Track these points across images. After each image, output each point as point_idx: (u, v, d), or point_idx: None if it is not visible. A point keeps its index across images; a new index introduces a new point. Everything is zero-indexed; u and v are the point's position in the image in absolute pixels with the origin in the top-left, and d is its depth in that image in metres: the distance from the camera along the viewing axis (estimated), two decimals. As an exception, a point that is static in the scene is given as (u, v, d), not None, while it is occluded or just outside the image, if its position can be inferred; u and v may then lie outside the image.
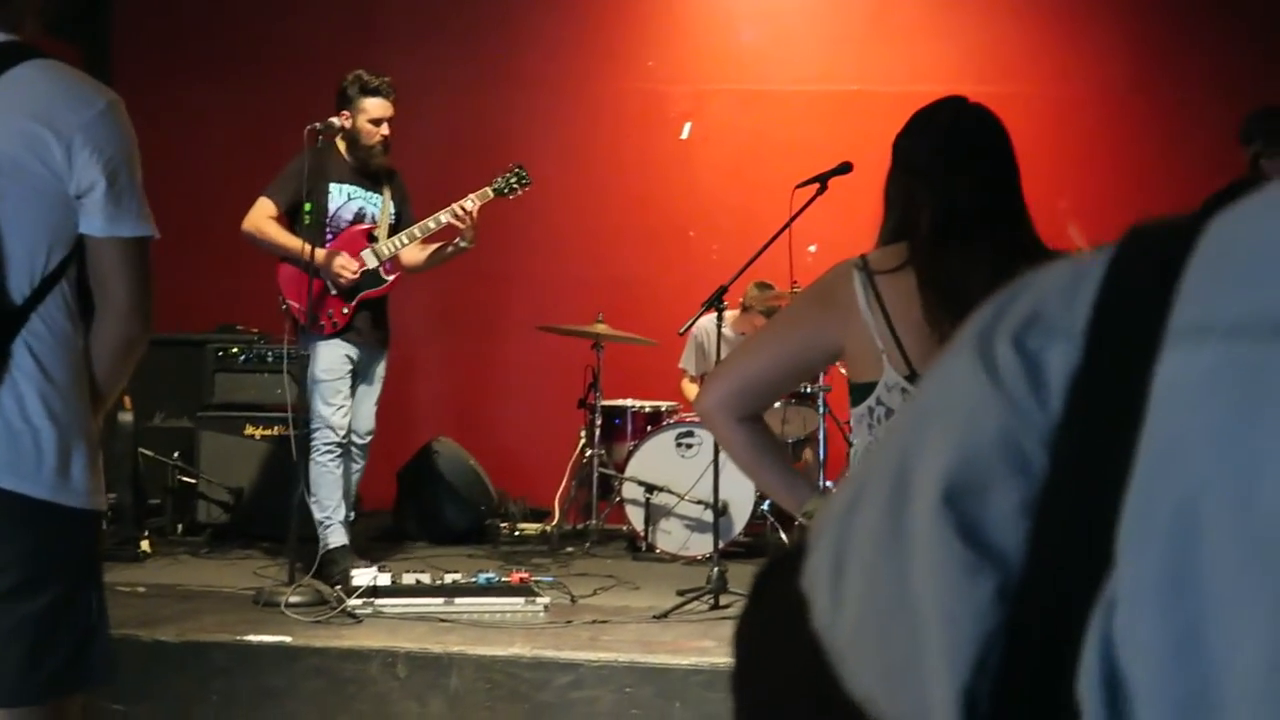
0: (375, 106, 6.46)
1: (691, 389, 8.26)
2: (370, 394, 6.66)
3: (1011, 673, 0.68)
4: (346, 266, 6.39)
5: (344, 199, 6.54)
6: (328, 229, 6.48)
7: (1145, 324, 0.69)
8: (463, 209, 6.43)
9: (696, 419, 7.58)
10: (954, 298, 2.51)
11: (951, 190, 2.60)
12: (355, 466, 6.67)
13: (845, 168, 5.24)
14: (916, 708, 0.70)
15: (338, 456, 6.46)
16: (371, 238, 6.57)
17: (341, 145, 6.56)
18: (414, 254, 6.69)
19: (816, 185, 5.44)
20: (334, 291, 6.43)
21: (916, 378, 2.54)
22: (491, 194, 6.61)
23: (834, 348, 2.70)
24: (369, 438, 6.69)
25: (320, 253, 6.27)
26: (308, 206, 6.22)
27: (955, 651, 0.68)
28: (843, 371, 2.83)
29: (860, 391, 2.65)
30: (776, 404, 7.33)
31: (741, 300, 7.81)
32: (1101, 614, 0.65)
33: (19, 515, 2.47)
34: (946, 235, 2.57)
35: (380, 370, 6.69)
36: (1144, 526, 0.65)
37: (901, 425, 0.80)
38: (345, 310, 6.45)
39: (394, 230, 6.63)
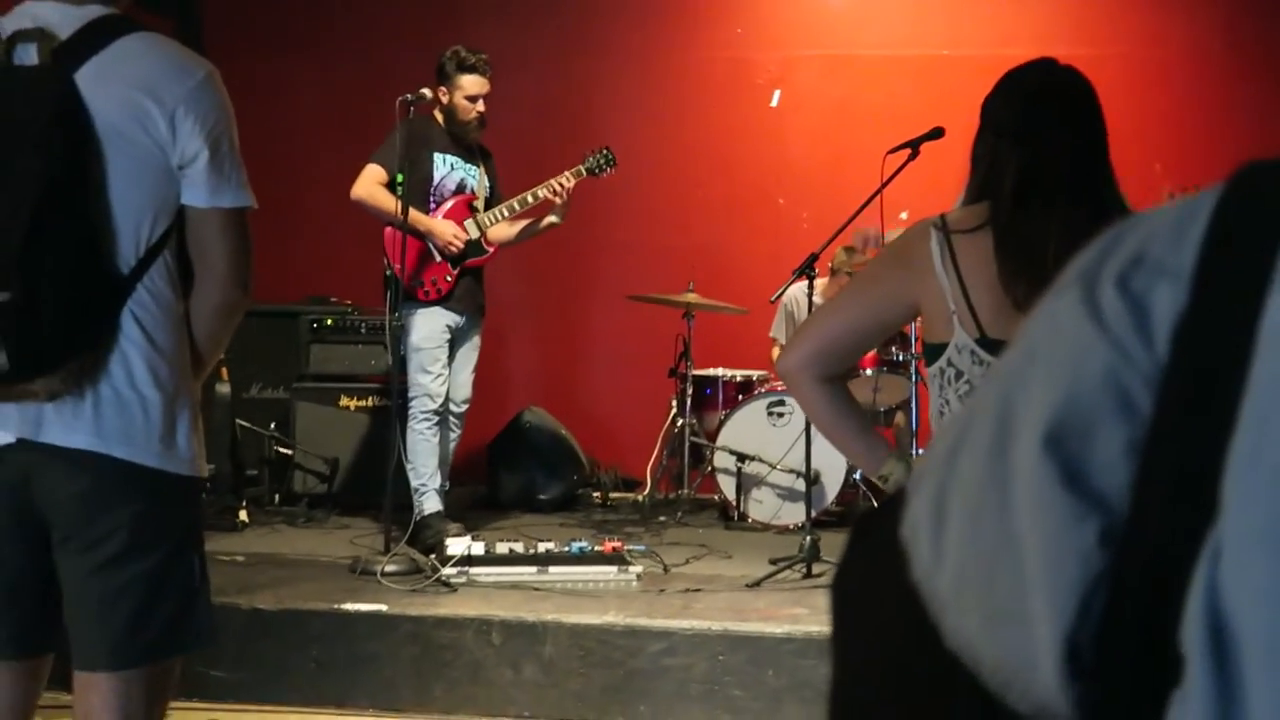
0: (472, 84, 6.52)
1: (780, 353, 8.23)
2: (467, 363, 6.74)
3: (1115, 619, 0.67)
4: (458, 234, 6.49)
5: (447, 169, 6.63)
6: (431, 198, 6.57)
7: (1254, 265, 0.67)
8: (560, 184, 6.53)
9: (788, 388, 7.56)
10: (1030, 259, 2.49)
11: (1037, 151, 2.58)
12: (452, 435, 6.75)
13: (937, 132, 5.18)
14: (1019, 655, 0.69)
15: (435, 424, 6.54)
16: (473, 208, 6.65)
17: (440, 117, 6.64)
18: (504, 229, 6.77)
19: (908, 151, 5.39)
20: (439, 258, 6.51)
21: (987, 341, 2.53)
22: (584, 172, 6.69)
23: (912, 306, 2.69)
24: (466, 406, 6.77)
25: (429, 220, 6.37)
26: (400, 177, 6.27)
27: (1060, 596, 0.67)
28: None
29: (933, 352, 2.65)
30: (869, 371, 7.29)
31: (830, 264, 7.76)
32: (1208, 561, 0.64)
33: (127, 482, 2.51)
34: (1028, 196, 2.55)
35: (476, 339, 6.77)
36: (1252, 471, 0.63)
37: (1004, 368, 0.78)
38: (449, 277, 6.54)
39: (488, 203, 6.71)
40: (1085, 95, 2.65)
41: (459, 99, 6.53)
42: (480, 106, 6.56)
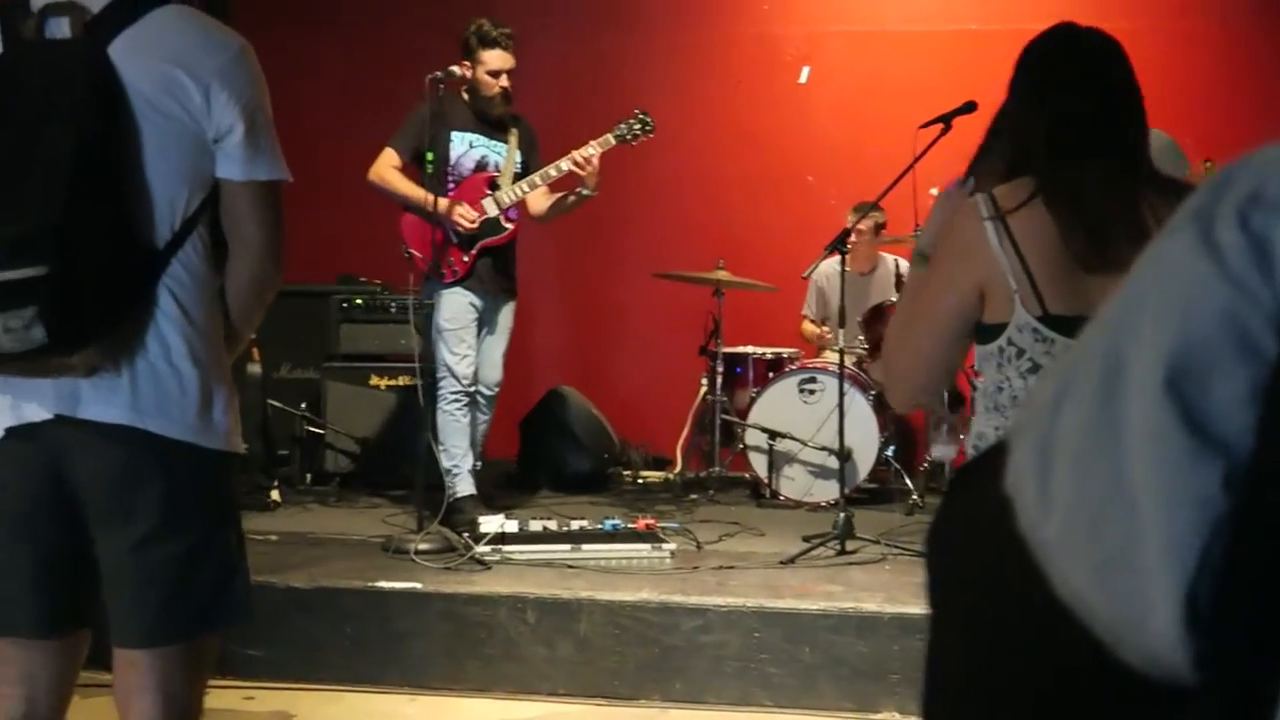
0: (494, 58, 6.42)
1: (810, 329, 8.20)
2: (497, 344, 6.66)
3: (1237, 567, 0.64)
4: (465, 215, 6.39)
5: (465, 147, 6.52)
6: (449, 178, 6.48)
7: None
8: (583, 156, 6.37)
9: (819, 364, 7.53)
10: (1080, 209, 2.48)
11: (1060, 110, 2.56)
12: (482, 417, 6.69)
13: (970, 107, 5.15)
14: (1133, 604, 0.67)
15: (464, 405, 6.49)
16: (493, 185, 6.52)
17: (465, 94, 6.56)
18: (538, 201, 6.66)
19: (940, 126, 5.36)
20: (455, 240, 6.44)
21: (1050, 317, 2.50)
22: (614, 140, 6.51)
23: (983, 292, 2.60)
24: (497, 389, 6.70)
25: (442, 201, 6.28)
26: (429, 155, 6.24)
27: (1178, 542, 0.65)
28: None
29: (989, 332, 2.60)
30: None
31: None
32: None
33: (163, 457, 2.50)
34: (1061, 154, 2.53)
35: (506, 320, 6.68)
36: None
37: (1109, 315, 0.76)
38: (465, 259, 6.45)
39: (520, 177, 6.58)
40: (1106, 52, 2.63)
41: (481, 74, 6.43)
42: (504, 81, 6.46)
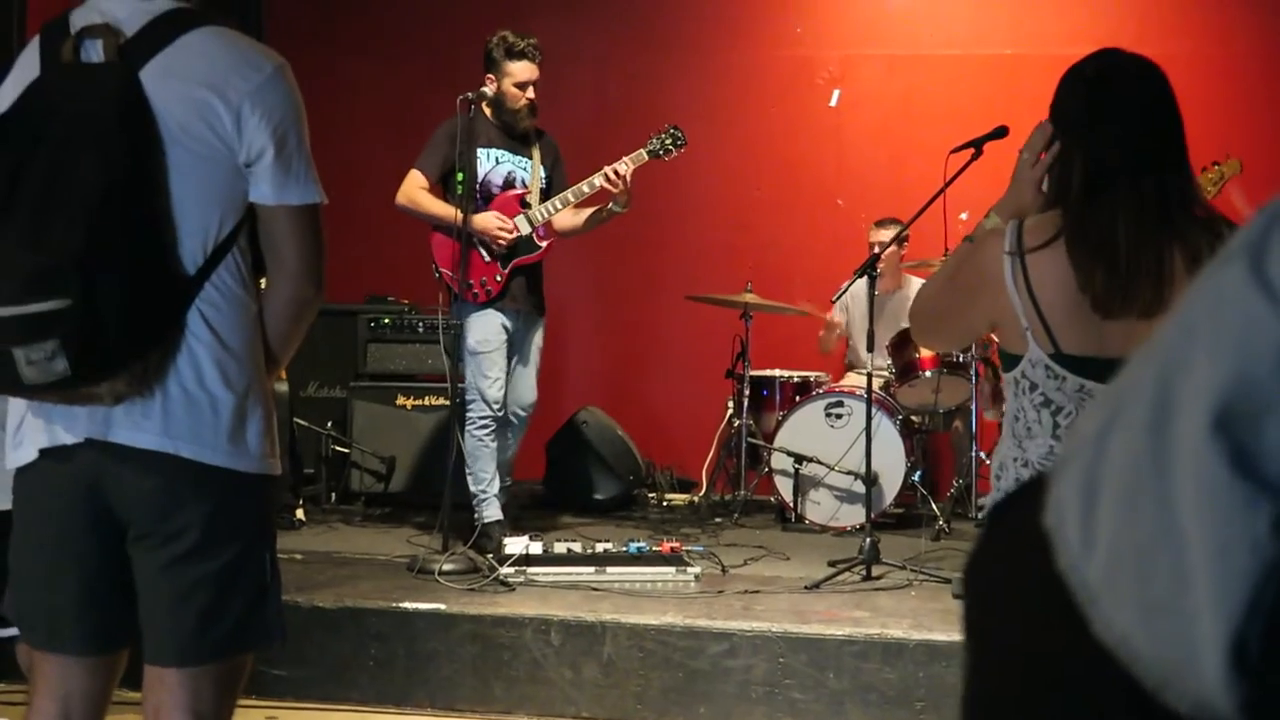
0: (520, 70, 6.36)
1: (829, 339, 8.22)
2: (530, 365, 6.59)
3: None
4: (505, 227, 6.34)
5: (492, 164, 6.46)
6: (477, 195, 6.40)
7: None
8: (615, 172, 6.30)
9: (846, 389, 7.51)
10: (1101, 247, 2.48)
11: (1101, 140, 2.56)
12: (512, 439, 6.63)
13: (1001, 132, 5.14)
14: (1180, 650, 0.66)
15: (493, 431, 6.42)
16: (524, 204, 6.47)
17: (488, 109, 6.49)
18: (568, 219, 6.59)
19: (971, 150, 5.34)
20: (488, 258, 6.38)
21: (1062, 356, 2.52)
22: (646, 156, 6.46)
23: (994, 322, 2.70)
24: (531, 409, 6.63)
25: (473, 218, 6.23)
26: (460, 175, 6.22)
27: (1227, 586, 0.63)
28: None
29: (1009, 361, 2.65)
30: (929, 373, 7.23)
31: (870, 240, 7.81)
32: None
33: (197, 481, 2.50)
34: (1096, 191, 2.53)
35: (538, 340, 6.61)
36: None
37: (1159, 346, 0.74)
38: (499, 277, 6.38)
39: (545, 193, 6.54)
40: (1149, 79, 2.63)
41: (508, 86, 6.37)
42: (530, 93, 6.40)
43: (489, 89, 6.33)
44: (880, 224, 7.84)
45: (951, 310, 2.78)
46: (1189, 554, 0.65)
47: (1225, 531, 0.64)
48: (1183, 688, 0.66)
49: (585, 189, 6.41)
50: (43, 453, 2.53)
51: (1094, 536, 0.71)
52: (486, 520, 6.38)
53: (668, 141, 6.53)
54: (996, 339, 2.76)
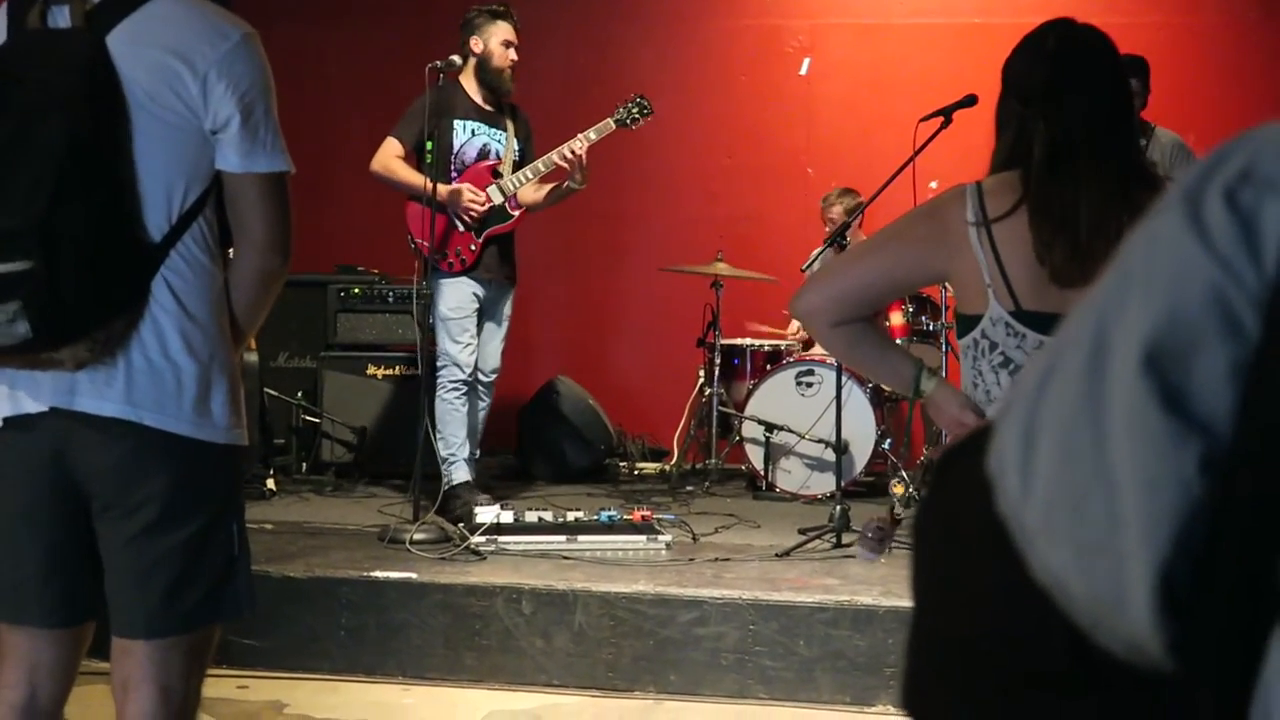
0: (506, 30, 6.48)
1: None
2: (497, 332, 6.67)
3: (1216, 551, 0.63)
4: (475, 199, 6.39)
5: (468, 135, 6.52)
6: (452, 166, 6.48)
7: None
8: (572, 151, 6.36)
9: (817, 357, 7.53)
10: (1063, 224, 2.49)
11: (1062, 116, 2.57)
12: (481, 404, 6.70)
13: (970, 100, 5.14)
14: (1111, 588, 0.66)
15: (463, 394, 6.50)
16: (496, 174, 6.53)
17: (467, 81, 6.56)
18: (530, 194, 6.64)
19: (940, 119, 5.34)
20: (461, 227, 6.44)
21: (1023, 313, 2.53)
22: (613, 125, 6.52)
23: (938, 275, 2.73)
24: (494, 376, 6.71)
25: (445, 188, 6.28)
26: (429, 145, 6.23)
27: (1156, 524, 0.64)
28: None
29: (966, 323, 2.65)
30: (900, 341, 7.25)
31: (822, 200, 7.82)
32: None
33: (162, 451, 2.49)
34: (1058, 162, 2.54)
35: (507, 309, 6.69)
36: None
37: (1096, 295, 0.75)
38: (473, 246, 6.45)
39: (518, 166, 6.59)
40: (1106, 53, 2.65)
41: (495, 45, 6.46)
42: (513, 55, 6.51)
43: (458, 58, 6.35)
44: (841, 193, 7.87)
45: (886, 269, 2.66)
46: (1121, 494, 0.65)
47: (1154, 469, 0.64)
48: (1114, 627, 0.67)
49: (555, 159, 6.44)
50: (6, 421, 2.51)
51: (1032, 480, 0.71)
52: (455, 482, 6.43)
53: (634, 111, 6.56)
54: (954, 301, 2.76)
